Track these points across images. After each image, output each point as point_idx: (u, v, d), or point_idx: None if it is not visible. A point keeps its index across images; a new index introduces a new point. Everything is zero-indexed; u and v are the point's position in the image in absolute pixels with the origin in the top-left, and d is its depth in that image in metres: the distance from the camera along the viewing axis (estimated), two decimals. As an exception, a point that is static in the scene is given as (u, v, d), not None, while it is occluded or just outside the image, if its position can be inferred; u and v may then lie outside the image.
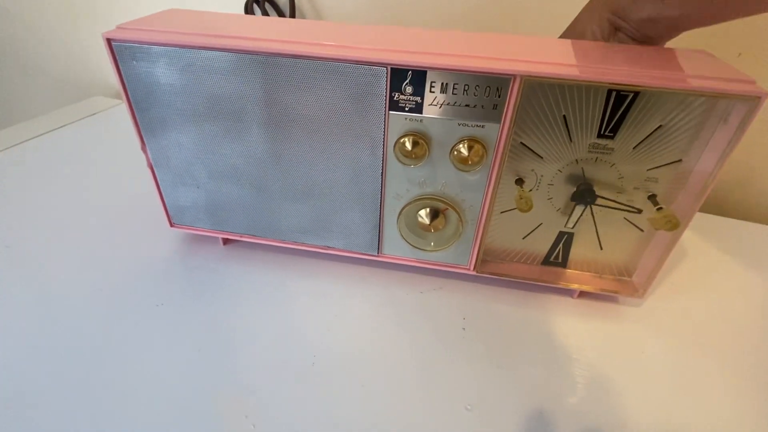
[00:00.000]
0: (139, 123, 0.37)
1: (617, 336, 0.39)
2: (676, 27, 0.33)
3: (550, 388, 0.35)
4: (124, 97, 0.36)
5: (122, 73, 0.35)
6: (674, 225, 0.32)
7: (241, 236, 0.43)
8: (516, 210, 0.38)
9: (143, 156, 0.40)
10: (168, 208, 0.43)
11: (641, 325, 0.40)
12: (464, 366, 0.36)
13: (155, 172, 0.40)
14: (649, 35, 0.34)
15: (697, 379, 0.36)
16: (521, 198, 0.34)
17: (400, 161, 0.35)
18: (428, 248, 0.40)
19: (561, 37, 0.39)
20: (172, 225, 0.44)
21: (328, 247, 0.42)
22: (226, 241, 0.46)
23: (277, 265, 0.44)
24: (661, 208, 0.34)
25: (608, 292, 0.40)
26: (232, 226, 0.43)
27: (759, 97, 0.28)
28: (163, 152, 0.39)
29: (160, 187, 0.41)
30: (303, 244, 0.43)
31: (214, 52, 0.33)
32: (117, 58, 0.34)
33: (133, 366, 0.35)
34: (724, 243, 0.50)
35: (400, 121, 0.33)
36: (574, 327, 0.40)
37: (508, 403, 0.34)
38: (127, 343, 0.36)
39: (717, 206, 0.58)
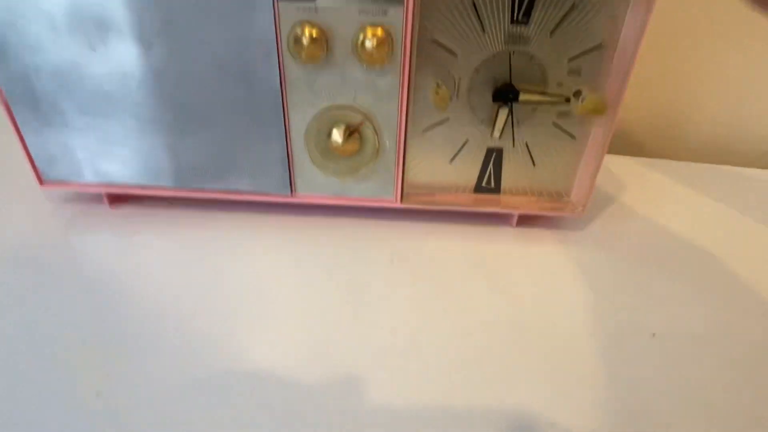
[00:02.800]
0: (-17, 45, 0.31)
1: (560, 256, 0.36)
2: None
3: (490, 304, 0.30)
4: (-40, 11, 0.30)
5: (-48, -25, 0.29)
6: (602, 107, 0.30)
7: (128, 188, 0.37)
8: (440, 128, 0.34)
9: (-5, 91, 0.33)
10: (35, 158, 0.36)
11: (584, 246, 0.37)
12: (395, 294, 0.31)
13: (12, 110, 0.33)
14: None
15: (641, 283, 0.33)
16: (437, 93, 0.30)
17: (296, 60, 0.30)
18: (345, 174, 0.35)
19: None
20: (42, 183, 0.37)
21: (234, 191, 0.37)
22: (113, 202, 0.39)
23: (179, 225, 0.37)
24: (584, 97, 0.31)
25: (547, 211, 0.37)
26: (116, 174, 0.36)
27: (666, -47, 0.27)
28: (17, 83, 0.32)
29: (21, 131, 0.34)
30: (204, 190, 0.37)
31: (63, -61, 0.28)
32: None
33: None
34: (659, 180, 0.49)
35: (291, 12, 0.29)
36: (514, 253, 0.36)
37: (439, 323, 0.29)
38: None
39: (651, 149, 0.58)
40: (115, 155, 0.35)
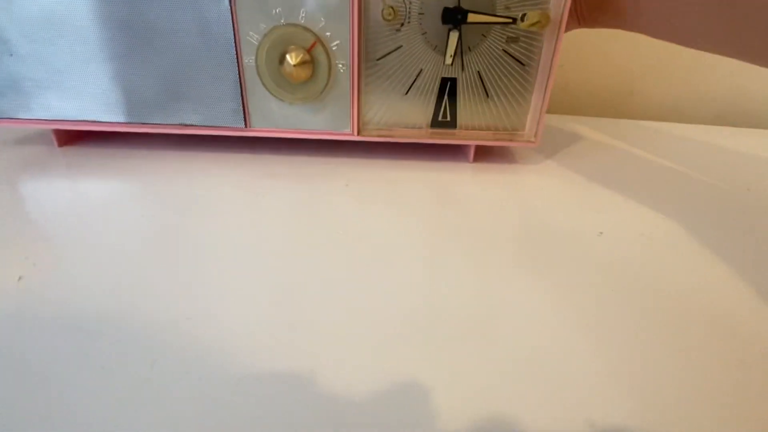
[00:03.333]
0: (-77, -36, 0.31)
1: (515, 180, 0.36)
2: None
3: (443, 215, 0.30)
4: None
5: None
6: (545, 19, 0.30)
7: (78, 124, 0.36)
8: (393, 55, 0.35)
9: (-64, 16, 0.32)
10: (-23, 92, 0.35)
11: (539, 175, 0.38)
12: (348, 209, 0.30)
13: (-47, 36, 0.33)
14: None
15: (591, 198, 0.34)
16: (385, 7, 0.31)
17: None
18: (300, 101, 0.35)
19: None
20: (-14, 119, 0.36)
21: (186, 125, 0.36)
22: (63, 142, 0.38)
23: (131, 165, 0.36)
24: (530, 15, 0.32)
25: (503, 142, 0.37)
26: (65, 109, 0.35)
27: None
28: (-40, 5, 0.32)
29: (-37, 60, 0.33)
30: (154, 125, 0.36)
31: None
32: None
33: None
34: (612, 135, 0.50)
35: (239, -75, 0.30)
36: (471, 180, 0.36)
37: (398, 237, 0.28)
38: None
39: (610, 110, 0.60)
40: (64, 87, 0.34)
